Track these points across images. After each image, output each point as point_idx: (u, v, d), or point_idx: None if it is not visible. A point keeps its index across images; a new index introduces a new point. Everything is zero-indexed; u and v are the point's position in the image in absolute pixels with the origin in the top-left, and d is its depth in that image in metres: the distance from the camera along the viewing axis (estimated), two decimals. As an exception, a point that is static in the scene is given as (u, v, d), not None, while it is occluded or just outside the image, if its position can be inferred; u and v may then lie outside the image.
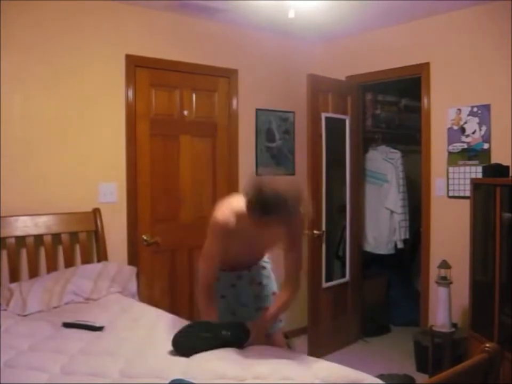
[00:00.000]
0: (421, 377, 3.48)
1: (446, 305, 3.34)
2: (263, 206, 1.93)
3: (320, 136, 4.01)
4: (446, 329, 3.33)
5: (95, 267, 3.10)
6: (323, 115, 4.02)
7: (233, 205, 2.23)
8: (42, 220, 3.07)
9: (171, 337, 2.05)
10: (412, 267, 5.05)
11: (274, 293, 2.53)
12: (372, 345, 4.32)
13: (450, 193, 3.73)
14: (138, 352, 2.06)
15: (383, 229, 4.72)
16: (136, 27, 3.54)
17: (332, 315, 4.15)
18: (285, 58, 4.37)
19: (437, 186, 3.82)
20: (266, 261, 2.63)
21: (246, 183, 2.11)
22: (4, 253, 2.94)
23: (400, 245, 4.71)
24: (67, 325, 2.40)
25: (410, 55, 3.92)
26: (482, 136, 3.54)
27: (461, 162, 3.67)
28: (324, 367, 1.91)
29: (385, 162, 4.73)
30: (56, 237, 3.13)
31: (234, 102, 4.06)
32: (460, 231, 3.47)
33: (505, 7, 3.29)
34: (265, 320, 2.29)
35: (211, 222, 2.22)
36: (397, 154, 4.75)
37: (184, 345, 2.01)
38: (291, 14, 3.19)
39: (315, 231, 3.90)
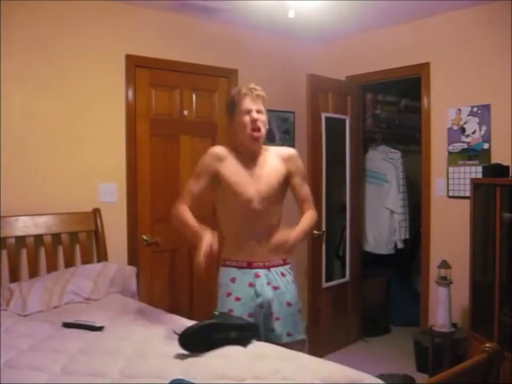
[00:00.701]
0: (421, 377, 3.48)
1: (446, 305, 3.34)
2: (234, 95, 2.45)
3: (320, 136, 4.01)
4: (446, 329, 3.33)
5: (95, 267, 3.10)
6: (323, 115, 4.02)
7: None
8: (42, 220, 3.06)
9: (171, 337, 2.05)
10: (412, 267, 5.06)
11: (289, 304, 2.40)
12: (371, 345, 4.32)
13: (450, 193, 3.73)
14: (138, 352, 2.06)
15: (383, 229, 4.72)
16: (136, 27, 3.53)
17: (332, 315, 4.16)
18: (285, 58, 4.37)
19: (437, 186, 3.82)
20: (288, 269, 2.49)
21: None
22: (4, 253, 2.94)
23: (400, 245, 4.71)
24: (67, 325, 2.40)
25: (410, 55, 3.92)
26: (482, 136, 3.54)
27: (461, 162, 3.67)
28: (324, 367, 1.91)
29: (385, 162, 4.73)
30: (56, 237, 3.13)
31: (234, 102, 4.05)
32: (460, 231, 3.47)
33: (505, 7, 3.29)
34: (297, 233, 2.30)
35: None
36: (397, 154, 4.75)
37: (192, 346, 1.99)
38: (291, 14, 3.20)
39: (315, 231, 3.90)
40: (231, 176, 2.35)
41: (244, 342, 2.07)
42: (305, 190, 2.53)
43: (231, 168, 2.36)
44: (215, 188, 2.41)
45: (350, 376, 1.83)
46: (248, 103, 2.39)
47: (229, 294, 2.36)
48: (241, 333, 2.09)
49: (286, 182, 2.47)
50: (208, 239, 2.12)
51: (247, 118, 2.36)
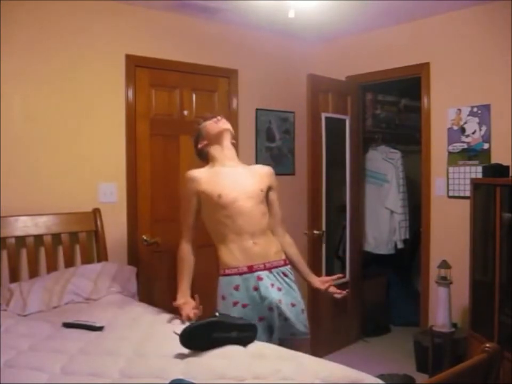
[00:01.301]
0: (421, 377, 3.48)
1: (446, 305, 3.34)
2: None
3: (320, 136, 4.01)
4: (446, 329, 3.33)
5: (95, 267, 3.10)
6: (323, 115, 4.02)
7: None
8: (42, 220, 3.06)
9: (171, 337, 2.05)
10: (412, 267, 5.06)
11: (293, 304, 2.43)
12: (372, 345, 4.32)
13: (450, 193, 3.73)
14: (138, 352, 2.06)
15: (383, 229, 4.72)
16: (136, 27, 3.53)
17: (332, 315, 4.15)
18: (285, 58, 4.37)
19: (437, 186, 3.82)
20: (289, 270, 2.52)
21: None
22: (4, 253, 2.94)
23: (400, 245, 4.71)
24: (67, 325, 2.40)
25: (410, 55, 3.92)
26: (482, 136, 3.54)
27: (461, 162, 3.67)
28: (324, 367, 1.91)
29: (385, 162, 4.73)
30: (56, 237, 3.13)
31: (234, 102, 4.06)
32: (460, 231, 3.47)
33: (505, 7, 3.29)
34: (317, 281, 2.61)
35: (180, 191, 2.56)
36: (397, 154, 4.75)
37: (192, 344, 1.99)
38: (291, 14, 3.19)
39: (315, 231, 3.90)
40: (212, 185, 2.41)
41: (244, 342, 2.07)
42: (280, 210, 2.62)
43: (210, 180, 2.43)
44: (202, 207, 2.47)
45: (350, 376, 1.82)
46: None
47: (235, 303, 2.34)
48: (241, 333, 2.08)
49: (266, 194, 2.52)
50: (186, 311, 2.33)
51: (211, 123, 2.59)
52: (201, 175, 2.46)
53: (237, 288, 2.35)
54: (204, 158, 2.59)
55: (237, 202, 2.38)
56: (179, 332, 2.00)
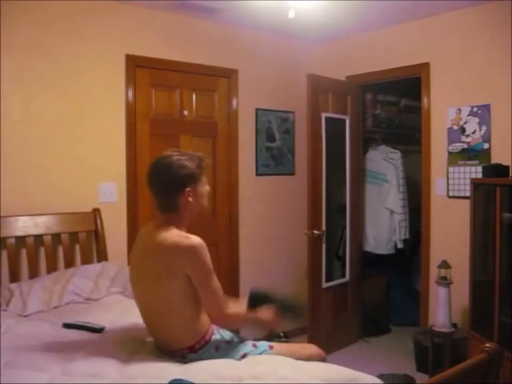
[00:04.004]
0: (421, 377, 3.48)
1: (446, 305, 3.34)
2: None
3: (320, 136, 4.00)
4: (446, 329, 3.33)
5: (95, 267, 3.10)
6: (323, 115, 4.01)
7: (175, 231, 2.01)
8: (42, 220, 3.07)
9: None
10: (412, 267, 5.05)
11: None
12: (372, 345, 4.32)
13: (450, 193, 3.73)
14: (138, 352, 2.06)
15: (383, 229, 4.71)
16: (136, 27, 3.54)
17: (332, 315, 4.15)
18: (285, 58, 4.37)
19: (437, 186, 3.82)
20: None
21: None
22: (4, 253, 2.94)
23: (400, 245, 4.70)
24: (67, 326, 2.40)
25: (410, 55, 3.92)
26: (482, 136, 3.54)
27: (461, 162, 3.67)
28: (321, 368, 1.92)
29: (385, 162, 4.73)
30: (56, 237, 3.13)
31: (234, 102, 4.06)
32: (460, 231, 3.47)
33: (505, 7, 3.29)
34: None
35: (194, 250, 1.94)
36: (397, 154, 4.74)
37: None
38: (291, 14, 3.19)
39: (315, 231, 3.90)
40: None
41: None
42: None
43: None
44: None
45: (346, 375, 1.83)
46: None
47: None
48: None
49: None
50: (265, 313, 2.13)
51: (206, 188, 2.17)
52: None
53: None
54: (174, 210, 2.05)
55: None
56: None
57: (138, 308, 2.15)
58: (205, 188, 2.14)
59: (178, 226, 2.03)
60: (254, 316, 2.11)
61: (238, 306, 2.13)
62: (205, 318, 2.07)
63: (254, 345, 2.15)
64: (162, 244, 1.96)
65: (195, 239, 1.96)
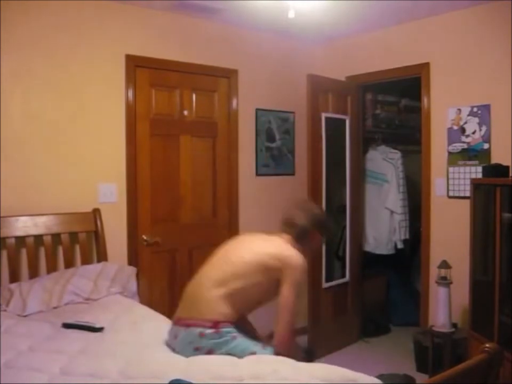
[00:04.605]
0: (421, 377, 3.48)
1: (446, 305, 3.34)
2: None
3: (320, 136, 4.00)
4: (446, 329, 3.33)
5: (95, 267, 3.10)
6: (323, 115, 4.02)
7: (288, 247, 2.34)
8: (42, 220, 3.06)
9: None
10: (412, 267, 5.05)
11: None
12: (372, 345, 4.32)
13: (450, 193, 3.73)
14: (138, 352, 2.06)
15: (383, 229, 4.71)
16: (136, 27, 3.54)
17: (332, 315, 4.15)
18: (285, 58, 4.37)
19: (437, 186, 3.82)
20: None
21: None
22: (4, 253, 2.94)
23: (400, 245, 4.71)
24: (67, 326, 2.40)
25: (410, 55, 3.92)
26: (482, 136, 3.54)
27: (461, 162, 3.67)
28: (321, 368, 1.91)
29: (385, 162, 4.73)
30: (56, 237, 3.13)
31: (234, 102, 4.06)
32: (460, 231, 3.47)
33: (505, 7, 3.29)
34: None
35: (297, 267, 2.22)
36: (397, 154, 4.75)
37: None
38: (291, 14, 3.19)
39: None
40: None
41: None
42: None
43: None
44: None
45: (346, 376, 1.83)
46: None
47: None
48: None
49: None
50: None
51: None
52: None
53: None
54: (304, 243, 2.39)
55: None
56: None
57: (201, 271, 2.31)
58: None
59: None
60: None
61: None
62: (247, 313, 2.33)
63: (264, 347, 2.19)
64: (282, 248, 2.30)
65: (304, 261, 2.25)
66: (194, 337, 2.07)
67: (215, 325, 2.08)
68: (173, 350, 2.13)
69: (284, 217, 2.45)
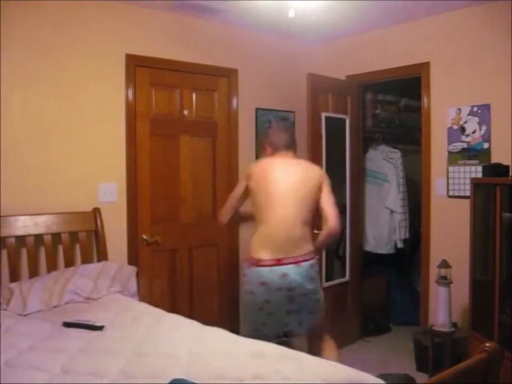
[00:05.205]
0: (421, 377, 3.48)
1: (446, 305, 3.34)
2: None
3: (320, 136, 4.00)
4: (446, 329, 3.33)
5: (95, 267, 3.10)
6: (323, 115, 4.02)
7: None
8: (42, 219, 3.06)
9: (171, 337, 2.05)
10: (412, 266, 5.06)
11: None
12: (372, 345, 4.32)
13: (450, 193, 3.73)
14: (138, 351, 2.06)
15: (383, 228, 4.72)
16: (136, 27, 3.53)
17: (332, 315, 4.14)
18: (285, 58, 4.37)
19: (437, 186, 3.82)
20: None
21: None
22: (4, 252, 2.94)
23: (400, 245, 4.71)
24: (67, 325, 2.40)
25: (410, 55, 3.92)
26: (482, 136, 3.54)
27: (461, 162, 3.67)
28: (325, 367, 1.91)
29: (385, 162, 4.73)
30: (56, 236, 3.13)
31: (234, 101, 4.06)
32: (460, 231, 3.47)
33: (505, 7, 3.29)
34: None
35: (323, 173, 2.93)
36: (397, 154, 4.75)
37: None
38: (291, 14, 3.19)
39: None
40: None
41: None
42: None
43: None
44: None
45: (350, 376, 1.83)
46: None
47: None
48: None
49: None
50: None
51: None
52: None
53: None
54: None
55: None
56: None
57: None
58: None
59: None
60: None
61: None
62: None
63: None
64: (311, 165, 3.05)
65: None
66: (307, 270, 2.67)
67: (313, 256, 2.75)
68: (279, 289, 2.62)
69: (283, 142, 2.98)
